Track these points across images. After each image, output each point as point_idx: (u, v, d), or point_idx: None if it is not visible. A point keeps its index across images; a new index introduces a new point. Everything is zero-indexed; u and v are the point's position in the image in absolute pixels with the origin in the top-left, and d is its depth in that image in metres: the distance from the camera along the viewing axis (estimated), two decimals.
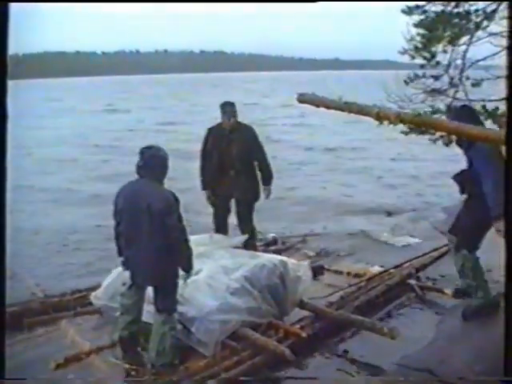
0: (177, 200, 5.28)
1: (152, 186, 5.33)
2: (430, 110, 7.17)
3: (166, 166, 5.43)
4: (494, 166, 5.62)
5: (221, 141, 7.69)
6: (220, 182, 7.73)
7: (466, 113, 6.04)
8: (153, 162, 5.34)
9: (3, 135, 4.12)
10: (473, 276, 6.11)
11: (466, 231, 6.12)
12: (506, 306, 4.31)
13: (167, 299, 5.36)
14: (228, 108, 7.75)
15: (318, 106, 4.62)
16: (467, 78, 7.23)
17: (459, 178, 6.12)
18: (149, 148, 5.41)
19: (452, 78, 7.20)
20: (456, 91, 7.23)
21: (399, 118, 4.24)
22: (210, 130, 7.90)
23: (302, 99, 4.84)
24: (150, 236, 5.23)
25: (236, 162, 7.68)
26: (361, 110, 4.41)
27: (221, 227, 7.83)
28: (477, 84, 7.22)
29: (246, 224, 7.77)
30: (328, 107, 4.64)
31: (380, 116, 4.25)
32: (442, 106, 7.28)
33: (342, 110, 4.49)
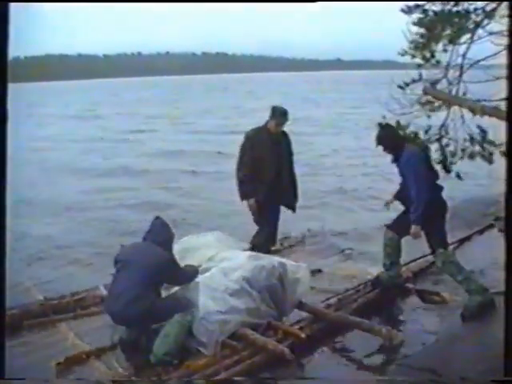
0: (174, 263, 5.75)
1: (154, 247, 5.67)
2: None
3: (170, 233, 5.87)
4: (416, 174, 6.28)
5: (267, 146, 7.40)
6: (267, 189, 7.45)
7: (388, 131, 6.60)
8: (159, 228, 5.82)
9: (3, 137, 4.12)
10: (457, 271, 6.29)
11: (434, 231, 6.40)
12: (506, 307, 4.31)
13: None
14: (280, 113, 7.46)
15: (440, 99, 5.85)
16: (464, 83, 7.22)
17: (398, 195, 6.78)
18: (158, 218, 5.93)
19: (450, 83, 7.17)
20: (449, 109, 7.19)
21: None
22: (253, 134, 7.54)
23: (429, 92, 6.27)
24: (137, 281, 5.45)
25: (284, 167, 7.53)
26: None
27: (269, 238, 7.69)
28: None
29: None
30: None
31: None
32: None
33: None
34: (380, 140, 6.54)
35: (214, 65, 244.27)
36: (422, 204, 6.28)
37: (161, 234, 5.76)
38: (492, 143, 6.95)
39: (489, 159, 6.91)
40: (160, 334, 5.46)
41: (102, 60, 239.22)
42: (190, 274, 5.90)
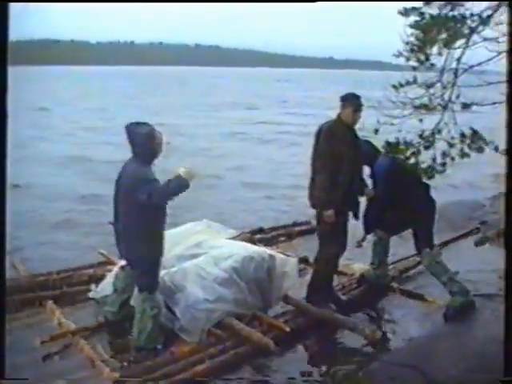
0: (149, 179, 5.17)
1: (131, 165, 5.35)
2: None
3: (144, 143, 5.26)
4: (385, 187, 6.53)
5: (345, 141, 6.33)
6: (342, 195, 6.29)
7: (367, 146, 6.64)
8: (132, 138, 5.32)
9: (3, 134, 4.14)
10: (442, 271, 6.42)
11: (421, 230, 6.55)
12: (506, 307, 4.39)
13: (146, 277, 5.40)
14: (354, 96, 6.46)
15: None
16: (458, 97, 7.29)
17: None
18: (130, 124, 5.35)
19: (445, 87, 7.24)
20: (444, 110, 7.25)
21: None
22: (328, 127, 6.41)
23: None
24: (126, 212, 5.35)
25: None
26: None
27: (342, 250, 6.58)
28: (466, 106, 7.28)
29: None
30: None
31: None
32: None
33: None
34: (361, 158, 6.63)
35: (206, 57, 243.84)
36: (373, 215, 6.73)
37: (140, 145, 5.29)
38: (483, 140, 7.06)
39: (478, 150, 7.00)
40: (134, 323, 5.46)
41: (95, 47, 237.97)
42: (173, 186, 5.14)
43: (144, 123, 5.38)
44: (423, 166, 7.22)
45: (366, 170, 6.74)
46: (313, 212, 6.62)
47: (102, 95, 50.86)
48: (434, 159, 7.29)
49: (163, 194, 5.14)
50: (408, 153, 7.35)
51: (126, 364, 5.24)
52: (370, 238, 7.06)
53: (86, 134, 24.93)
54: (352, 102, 6.41)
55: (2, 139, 4.13)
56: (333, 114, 6.52)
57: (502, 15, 7.08)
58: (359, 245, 7.09)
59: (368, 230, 6.85)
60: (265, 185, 14.76)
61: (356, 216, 6.57)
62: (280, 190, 14.07)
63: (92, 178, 14.97)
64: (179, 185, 5.13)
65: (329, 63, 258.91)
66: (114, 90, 58.24)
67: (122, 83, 74.81)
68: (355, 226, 6.72)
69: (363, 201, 6.73)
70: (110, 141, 20.69)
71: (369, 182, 6.75)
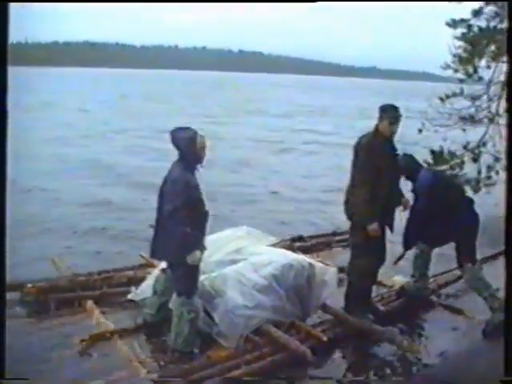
0: (189, 185, 5.26)
1: (176, 168, 5.41)
2: None
3: (187, 147, 5.33)
4: (427, 201, 6.42)
5: (384, 154, 6.27)
6: (382, 209, 6.27)
7: (408, 160, 6.66)
8: (176, 143, 5.41)
9: (3, 132, 4.19)
10: (483, 287, 6.36)
11: (464, 244, 6.49)
12: (506, 307, 4.34)
13: (185, 281, 5.43)
14: (391, 108, 6.41)
15: None
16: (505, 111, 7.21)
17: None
18: (174, 129, 5.44)
19: (491, 99, 7.18)
20: (490, 122, 7.20)
21: None
22: (367, 140, 6.33)
23: None
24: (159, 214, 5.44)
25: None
26: None
27: (382, 261, 6.55)
28: None
29: None
30: None
31: None
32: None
33: None
34: (401, 171, 6.60)
35: (249, 63, 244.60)
36: (413, 232, 6.61)
37: (182, 147, 5.38)
38: None
39: None
40: (171, 326, 5.50)
41: (139, 50, 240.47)
42: (183, 238, 5.22)
43: (187, 128, 5.44)
44: (468, 177, 7.18)
45: (408, 185, 6.69)
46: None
47: (142, 99, 51.23)
48: (479, 172, 7.26)
49: (176, 223, 5.20)
50: (452, 162, 7.33)
51: (162, 365, 5.30)
52: (410, 252, 6.99)
53: (117, 137, 25.12)
54: (389, 113, 6.36)
55: (2, 139, 4.17)
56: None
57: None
58: (397, 262, 7.03)
59: (407, 247, 6.79)
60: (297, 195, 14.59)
61: (391, 229, 6.50)
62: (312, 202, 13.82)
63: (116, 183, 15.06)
64: (184, 243, 5.24)
65: (373, 72, 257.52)
66: (155, 94, 58.57)
67: (164, 87, 75.39)
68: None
69: (402, 214, 6.67)
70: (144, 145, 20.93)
71: (410, 196, 6.67)
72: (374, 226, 6.17)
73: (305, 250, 8.47)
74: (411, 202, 6.57)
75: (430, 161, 7.01)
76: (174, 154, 5.45)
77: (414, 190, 6.62)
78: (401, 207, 6.57)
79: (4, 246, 4.24)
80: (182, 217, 5.18)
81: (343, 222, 6.99)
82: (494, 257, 8.86)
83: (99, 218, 11.09)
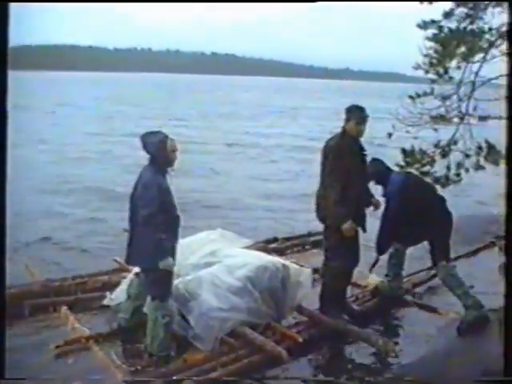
0: (161, 189, 5.29)
1: (146, 173, 5.42)
2: None
3: (157, 151, 5.34)
4: (399, 204, 6.49)
5: (353, 155, 6.32)
6: (359, 210, 6.37)
7: (377, 165, 6.78)
8: (146, 147, 5.41)
9: (4, 132, 4.16)
10: (457, 285, 6.38)
11: (438, 243, 6.53)
12: (506, 307, 4.38)
13: (159, 285, 5.43)
14: (357, 108, 6.45)
15: None
16: (475, 109, 7.29)
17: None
18: (144, 134, 5.44)
19: (461, 99, 7.25)
20: (461, 122, 7.27)
21: None
22: (335, 142, 6.34)
23: None
24: (133, 219, 5.44)
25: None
26: None
27: (356, 261, 6.52)
28: (483, 118, 7.29)
29: None
30: None
31: None
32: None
33: None
34: (370, 177, 6.67)
35: (223, 65, 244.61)
36: (385, 237, 6.67)
37: (153, 152, 5.39)
38: (499, 153, 7.07)
39: (494, 163, 7.00)
40: (147, 330, 5.51)
41: (112, 53, 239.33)
42: (159, 244, 5.24)
43: (157, 132, 5.46)
44: (437, 175, 7.26)
45: (379, 190, 6.77)
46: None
47: (114, 102, 50.99)
48: (448, 168, 7.33)
49: (151, 230, 5.21)
50: (423, 161, 7.39)
51: (139, 369, 5.25)
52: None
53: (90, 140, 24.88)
54: (355, 114, 6.40)
55: (2, 140, 4.15)
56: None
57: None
58: (372, 268, 7.10)
59: (381, 251, 6.83)
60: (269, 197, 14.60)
61: (364, 229, 6.52)
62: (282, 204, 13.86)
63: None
64: (160, 253, 5.25)
65: (345, 74, 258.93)
66: (127, 97, 58.35)
67: (136, 90, 75.06)
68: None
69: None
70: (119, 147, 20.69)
71: (382, 200, 6.73)
72: (347, 225, 6.18)
73: (279, 252, 8.52)
74: (382, 203, 6.62)
75: (401, 162, 7.03)
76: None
77: (385, 195, 6.67)
78: (371, 208, 6.63)
79: (4, 246, 4.19)
80: (157, 222, 5.20)
81: (315, 226, 7.06)
82: (467, 255, 8.98)
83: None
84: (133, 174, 5.79)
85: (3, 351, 4.27)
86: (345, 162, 6.21)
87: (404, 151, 7.40)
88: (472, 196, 14.05)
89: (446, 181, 7.24)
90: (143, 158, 5.50)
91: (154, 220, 5.17)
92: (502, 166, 6.37)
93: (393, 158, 6.74)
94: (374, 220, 6.74)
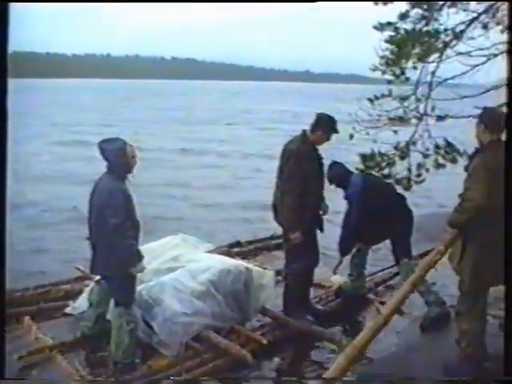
0: (125, 195, 5.27)
1: (105, 180, 5.37)
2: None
3: (116, 158, 5.30)
4: (360, 205, 6.47)
5: (313, 162, 6.26)
6: (312, 215, 6.35)
7: (337, 168, 6.78)
8: (104, 155, 5.35)
9: (4, 135, 4.12)
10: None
11: (399, 240, 6.63)
12: (506, 307, 4.44)
13: (122, 292, 5.41)
14: (332, 123, 6.31)
15: None
16: (433, 109, 7.40)
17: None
18: (102, 141, 5.38)
19: (419, 100, 7.37)
20: (419, 122, 7.38)
21: None
22: (297, 147, 6.20)
23: None
24: (99, 227, 5.34)
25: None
26: None
27: (315, 263, 6.58)
28: (441, 118, 7.40)
29: None
30: None
31: None
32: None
33: None
34: (331, 180, 6.71)
35: (183, 70, 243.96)
36: (348, 238, 6.72)
37: (112, 159, 5.33)
38: (457, 151, 7.18)
39: (452, 161, 7.11)
40: (111, 337, 5.47)
41: (71, 59, 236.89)
42: (127, 251, 5.24)
43: (115, 139, 5.43)
44: (398, 176, 7.35)
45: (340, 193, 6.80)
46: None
47: (74, 109, 50.45)
48: (409, 169, 7.42)
49: (122, 236, 5.17)
50: (383, 164, 7.48)
51: (104, 378, 5.22)
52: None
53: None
54: (326, 126, 6.29)
55: (2, 140, 4.11)
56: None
57: (475, 30, 7.24)
58: (336, 270, 7.12)
59: (343, 253, 6.87)
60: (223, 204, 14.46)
61: (321, 229, 6.58)
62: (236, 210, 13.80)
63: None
64: (128, 254, 5.25)
65: (306, 76, 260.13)
66: (87, 104, 57.78)
67: (96, 96, 74.36)
68: None
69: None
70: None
71: (344, 203, 6.78)
72: (295, 236, 6.21)
73: (243, 256, 8.52)
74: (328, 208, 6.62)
75: (361, 165, 7.12)
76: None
77: (346, 197, 6.71)
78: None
79: (4, 247, 4.14)
80: (127, 229, 5.18)
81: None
82: (429, 252, 9.07)
83: None
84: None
85: (3, 351, 4.28)
86: (305, 167, 6.13)
87: (363, 156, 7.50)
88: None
89: (407, 182, 7.34)
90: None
91: (124, 227, 5.15)
92: (461, 165, 6.50)
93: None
94: (332, 226, 6.80)
